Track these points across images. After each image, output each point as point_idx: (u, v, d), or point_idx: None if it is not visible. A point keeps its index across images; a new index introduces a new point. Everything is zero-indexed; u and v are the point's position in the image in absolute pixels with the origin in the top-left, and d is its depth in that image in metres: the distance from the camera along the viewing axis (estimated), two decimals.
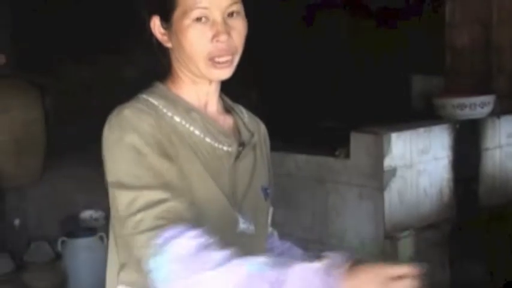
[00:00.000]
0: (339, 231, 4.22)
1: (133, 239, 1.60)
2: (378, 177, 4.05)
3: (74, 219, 5.35)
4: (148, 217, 1.58)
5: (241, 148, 1.82)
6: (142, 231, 1.57)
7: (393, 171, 4.07)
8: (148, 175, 1.62)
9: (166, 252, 1.52)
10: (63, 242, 5.06)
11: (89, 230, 5.16)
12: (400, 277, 1.47)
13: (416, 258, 3.89)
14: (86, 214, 5.35)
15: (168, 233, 1.54)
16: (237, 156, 1.80)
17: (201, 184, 1.71)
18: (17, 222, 5.25)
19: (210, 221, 1.69)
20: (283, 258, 1.54)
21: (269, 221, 1.95)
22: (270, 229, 1.98)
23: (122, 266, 1.75)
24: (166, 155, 1.66)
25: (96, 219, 5.33)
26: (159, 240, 1.54)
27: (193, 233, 1.54)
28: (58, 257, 5.08)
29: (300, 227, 4.39)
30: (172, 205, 1.60)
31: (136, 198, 1.60)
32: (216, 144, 1.77)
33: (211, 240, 1.55)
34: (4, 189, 5.13)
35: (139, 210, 1.59)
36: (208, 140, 1.76)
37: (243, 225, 1.78)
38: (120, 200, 1.64)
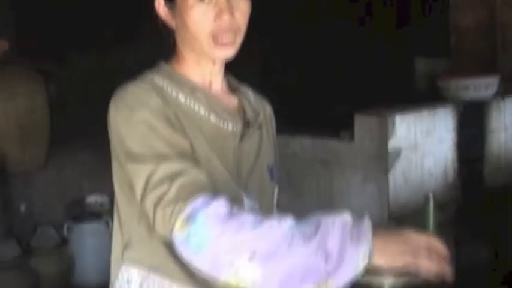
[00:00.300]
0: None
1: (157, 213, 1.58)
2: (382, 159, 4.06)
3: (79, 204, 5.36)
4: (171, 190, 1.56)
5: (246, 128, 1.82)
6: (167, 205, 1.56)
7: (398, 153, 4.07)
8: (163, 146, 1.61)
9: (199, 220, 1.51)
10: (69, 227, 5.08)
11: (95, 215, 5.18)
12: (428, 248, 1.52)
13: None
14: (92, 199, 5.37)
15: (196, 202, 1.53)
16: (242, 136, 1.81)
17: (206, 163, 1.71)
18: (23, 207, 5.27)
19: None
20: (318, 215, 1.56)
21: (275, 201, 1.96)
22: (275, 210, 1.99)
23: (126, 245, 1.75)
24: (177, 129, 1.67)
25: (101, 204, 5.34)
26: (188, 211, 1.53)
27: (221, 200, 1.55)
28: (64, 242, 5.10)
29: (304, 209, 4.39)
30: (193, 176, 1.59)
31: (155, 171, 1.59)
32: (221, 124, 1.77)
33: (238, 207, 1.56)
34: (10, 175, 5.15)
35: (160, 183, 1.58)
36: (213, 119, 1.76)
37: (248, 204, 1.78)
38: (137, 174, 1.62)
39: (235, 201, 1.74)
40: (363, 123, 4.18)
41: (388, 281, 1.54)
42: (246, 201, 1.78)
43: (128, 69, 1.87)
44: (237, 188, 1.76)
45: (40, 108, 5.20)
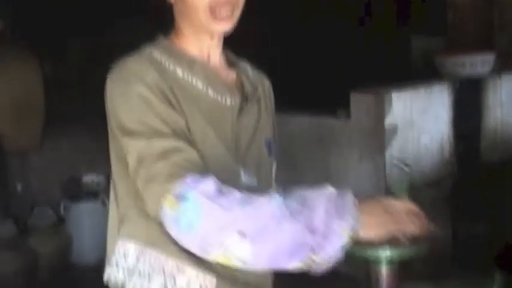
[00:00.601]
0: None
1: (147, 190, 1.58)
2: (379, 136, 4.06)
3: (76, 183, 5.36)
4: (164, 166, 1.56)
5: (244, 102, 1.82)
6: (158, 182, 1.56)
7: (394, 130, 4.07)
8: (158, 123, 1.61)
9: (189, 199, 1.51)
10: (65, 207, 5.08)
11: (91, 194, 5.18)
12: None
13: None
14: (88, 178, 5.37)
15: (186, 181, 1.52)
16: (241, 110, 1.80)
17: (202, 138, 1.70)
18: (19, 187, 5.26)
19: (212, 174, 1.69)
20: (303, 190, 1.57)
21: (273, 176, 1.96)
22: (274, 184, 1.99)
23: (122, 220, 1.74)
24: (172, 105, 1.66)
25: (98, 184, 5.34)
26: (178, 189, 1.52)
27: (210, 179, 1.54)
28: (61, 221, 5.11)
29: (301, 187, 4.39)
30: (185, 154, 1.59)
31: (147, 147, 1.59)
32: (219, 98, 1.76)
33: (229, 186, 1.56)
34: (6, 154, 5.15)
35: (152, 160, 1.58)
36: (210, 93, 1.75)
37: (245, 179, 1.78)
38: (130, 149, 1.62)
39: (231, 177, 1.74)
40: (359, 101, 4.18)
41: (384, 253, 1.54)
42: (243, 177, 1.77)
43: (125, 48, 1.86)
44: (234, 163, 1.76)
45: (35, 87, 5.18)
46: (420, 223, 1.57)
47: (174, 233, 1.55)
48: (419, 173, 4.18)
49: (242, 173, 1.77)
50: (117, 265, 1.76)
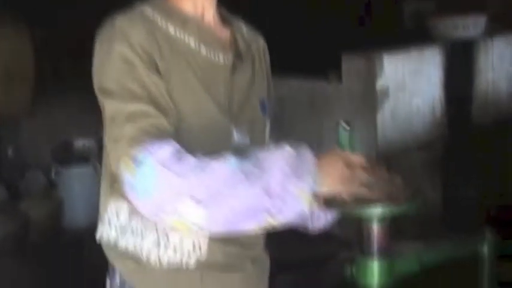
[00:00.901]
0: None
1: (113, 150, 1.60)
2: (370, 99, 4.05)
3: (67, 148, 5.35)
4: (129, 129, 1.57)
5: (238, 60, 1.80)
6: (122, 145, 1.57)
7: (386, 93, 4.06)
8: (135, 86, 1.60)
9: (145, 166, 1.51)
10: (57, 171, 5.07)
11: (83, 159, 5.17)
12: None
13: (408, 177, 3.91)
14: (79, 143, 5.35)
15: (148, 146, 1.53)
16: (234, 69, 1.79)
17: (193, 96, 1.69)
18: (10, 152, 5.25)
19: (202, 134, 1.69)
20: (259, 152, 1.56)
21: (266, 135, 1.95)
22: (268, 143, 1.99)
23: (114, 180, 1.75)
24: (156, 69, 1.64)
25: (89, 148, 5.33)
26: (138, 155, 1.53)
27: (169, 146, 1.54)
28: (52, 186, 5.10)
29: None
30: (156, 119, 1.59)
31: (121, 108, 1.59)
32: (212, 56, 1.75)
33: (191, 153, 1.55)
34: None
35: (123, 121, 1.58)
36: (203, 51, 1.74)
37: (237, 138, 1.77)
38: (106, 109, 1.63)
39: (223, 136, 1.73)
40: (350, 64, 4.16)
41: (376, 210, 1.53)
42: (236, 136, 1.77)
43: (117, 12, 1.83)
44: (226, 122, 1.75)
45: (25, 52, 5.15)
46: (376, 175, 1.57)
47: (130, 197, 1.56)
48: (410, 135, 4.19)
49: (234, 133, 1.76)
50: (109, 223, 1.77)
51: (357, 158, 1.58)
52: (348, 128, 1.65)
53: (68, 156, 5.23)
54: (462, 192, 4.13)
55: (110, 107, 1.62)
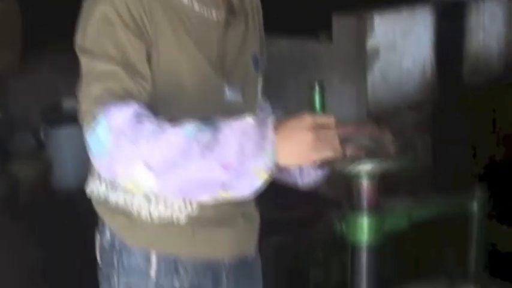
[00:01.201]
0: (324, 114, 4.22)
1: (81, 106, 1.60)
2: (360, 59, 4.04)
3: (56, 109, 5.31)
4: (97, 88, 1.56)
5: (231, 16, 1.79)
6: (88, 101, 1.57)
7: (376, 53, 4.05)
8: (111, 46, 1.60)
9: (100, 127, 1.51)
10: (46, 131, 5.04)
11: (72, 119, 5.12)
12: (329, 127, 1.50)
13: (398, 138, 3.92)
14: (68, 103, 5.31)
15: (109, 108, 1.52)
16: (227, 25, 1.77)
17: (186, 54, 1.68)
18: None
19: (193, 91, 1.68)
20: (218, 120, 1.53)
21: (259, 91, 1.94)
22: (261, 99, 1.98)
23: None
24: (139, 34, 1.63)
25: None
26: (97, 115, 1.52)
27: (129, 109, 1.52)
28: (41, 146, 5.08)
29: (283, 112, 4.38)
30: (125, 83, 1.58)
31: (93, 67, 1.60)
32: (205, 13, 1.73)
33: (152, 116, 1.54)
34: None
35: (92, 79, 1.58)
36: (196, 7, 1.72)
37: (230, 95, 1.76)
38: (82, 65, 1.63)
39: (215, 93, 1.72)
40: (341, 24, 4.14)
41: (365, 167, 1.53)
42: (228, 93, 1.76)
43: None
44: (219, 80, 1.74)
45: (12, 11, 5.10)
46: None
47: (90, 154, 1.56)
48: (401, 96, 4.18)
49: (227, 90, 1.75)
50: (100, 178, 1.77)
51: (327, 119, 1.51)
52: (320, 89, 1.61)
53: (57, 117, 5.20)
54: (452, 151, 4.14)
55: (83, 64, 1.63)
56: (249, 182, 1.47)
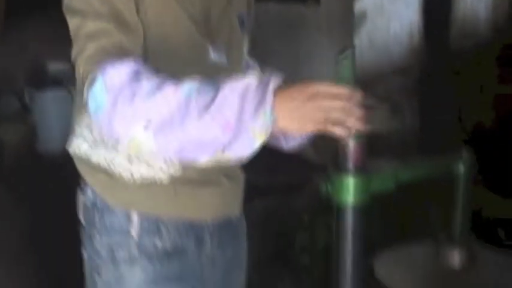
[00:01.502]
0: (312, 77, 4.21)
1: (76, 67, 1.57)
2: (348, 22, 4.02)
3: (41, 72, 5.28)
4: (91, 47, 1.54)
5: None
6: (82, 62, 1.54)
7: (363, 16, 4.03)
8: (99, 3, 1.57)
9: (97, 85, 1.48)
10: (31, 95, 5.02)
11: (57, 82, 5.11)
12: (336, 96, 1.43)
13: (386, 102, 3.93)
14: (53, 66, 5.28)
15: (104, 66, 1.50)
16: None
17: (170, 14, 1.66)
18: None
19: (177, 51, 1.66)
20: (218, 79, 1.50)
21: (244, 52, 1.92)
22: (248, 59, 1.96)
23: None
24: None
25: (63, 72, 5.26)
26: (94, 72, 1.50)
27: (126, 66, 1.50)
28: (26, 109, 5.06)
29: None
30: (118, 39, 1.55)
31: (82, 25, 1.57)
32: None
33: (150, 71, 1.51)
34: None
35: (84, 39, 1.56)
36: None
37: (214, 56, 1.74)
38: (70, 27, 1.60)
39: (198, 53, 1.70)
40: None
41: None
42: (212, 53, 1.74)
43: None
44: (202, 39, 1.72)
45: None
46: (351, 115, 1.43)
47: (91, 116, 1.54)
48: (388, 60, 4.18)
49: (211, 50, 1.73)
50: (82, 137, 1.75)
51: (339, 90, 1.43)
52: (352, 56, 1.53)
53: (42, 80, 5.17)
54: (439, 116, 4.15)
55: (73, 24, 1.59)
56: (248, 142, 1.43)
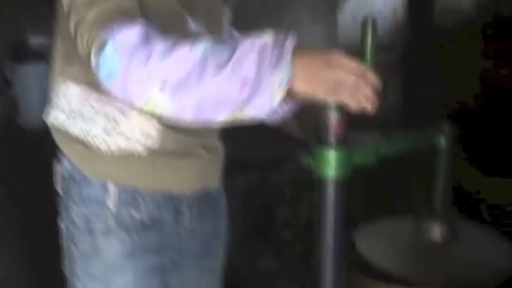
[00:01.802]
0: None
1: (77, 36, 1.54)
2: None
3: (22, 45, 5.23)
4: (90, 14, 1.51)
5: None
6: (84, 29, 1.51)
7: None
8: None
9: (107, 49, 1.45)
10: (11, 69, 4.98)
11: (38, 56, 5.06)
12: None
13: None
14: (35, 40, 5.23)
15: (112, 29, 1.46)
16: None
17: None
18: None
19: (156, 19, 1.63)
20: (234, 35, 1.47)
21: (225, 24, 1.90)
22: (231, 31, 1.94)
23: (66, 61, 1.70)
24: None
25: (45, 46, 5.21)
26: (101, 38, 1.46)
27: (135, 27, 1.47)
28: (7, 83, 5.02)
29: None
30: (119, 3, 1.52)
31: None
32: None
33: (159, 34, 1.48)
34: None
35: (83, 5, 1.53)
36: None
37: (194, 27, 1.72)
38: None
39: (177, 24, 1.68)
40: None
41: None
42: (192, 26, 1.72)
43: None
44: (181, 9, 1.70)
45: None
46: (364, 94, 1.44)
47: (100, 80, 1.50)
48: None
49: (190, 21, 1.71)
50: (60, 107, 1.73)
51: (358, 66, 1.44)
52: (373, 27, 1.52)
53: (23, 54, 5.12)
54: (423, 91, 4.15)
55: None
56: (267, 98, 1.40)
